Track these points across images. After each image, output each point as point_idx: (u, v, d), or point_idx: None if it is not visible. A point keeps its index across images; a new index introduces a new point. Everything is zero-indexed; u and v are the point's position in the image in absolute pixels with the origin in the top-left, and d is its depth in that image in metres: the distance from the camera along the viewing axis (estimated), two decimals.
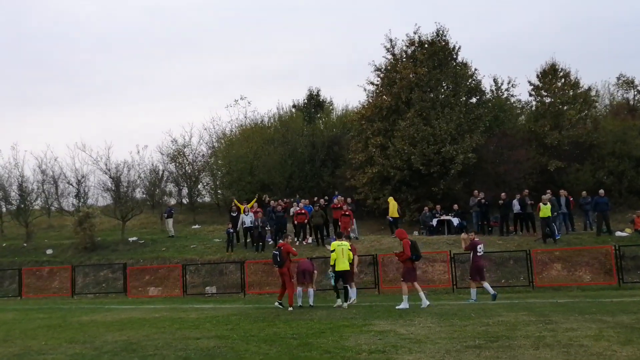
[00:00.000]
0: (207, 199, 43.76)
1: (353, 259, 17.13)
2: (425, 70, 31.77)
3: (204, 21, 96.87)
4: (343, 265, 16.66)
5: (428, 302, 15.72)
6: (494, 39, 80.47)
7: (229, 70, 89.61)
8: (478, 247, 17.54)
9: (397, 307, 15.51)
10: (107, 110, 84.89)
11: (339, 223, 26.51)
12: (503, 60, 76.33)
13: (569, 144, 32.48)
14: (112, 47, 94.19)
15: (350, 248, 17.01)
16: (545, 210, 24.66)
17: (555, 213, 25.12)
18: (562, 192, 26.71)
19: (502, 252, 23.18)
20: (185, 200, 42.87)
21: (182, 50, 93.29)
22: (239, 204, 29.42)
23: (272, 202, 29.19)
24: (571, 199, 26.74)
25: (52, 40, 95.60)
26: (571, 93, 33.79)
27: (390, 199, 28.37)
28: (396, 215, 27.87)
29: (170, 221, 31.95)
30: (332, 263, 16.85)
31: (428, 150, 30.26)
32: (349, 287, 17.19)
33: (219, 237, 30.04)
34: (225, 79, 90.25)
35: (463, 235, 18.85)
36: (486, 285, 17.47)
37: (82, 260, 28.96)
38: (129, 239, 30.92)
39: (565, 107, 33.22)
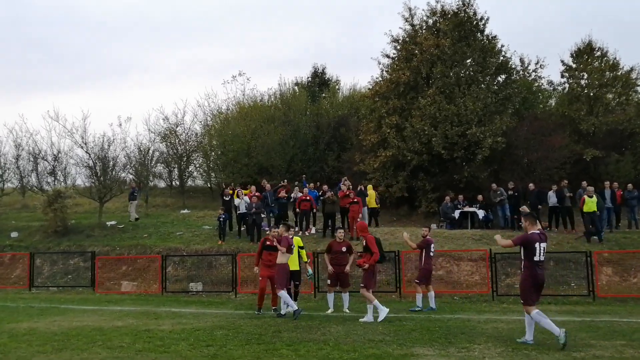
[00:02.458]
0: (199, 181, 39.99)
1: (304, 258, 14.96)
2: (450, 42, 27.89)
3: (204, 9, 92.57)
4: (292, 264, 14.09)
5: (387, 310, 12.65)
6: (518, 16, 75.46)
7: (230, 58, 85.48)
8: (432, 246, 15.18)
9: (360, 320, 12.53)
10: (104, 95, 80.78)
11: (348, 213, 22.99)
12: (528, 39, 71.59)
13: (607, 131, 28.76)
14: (112, 31, 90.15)
15: (302, 245, 14.81)
16: (590, 204, 21.11)
17: (604, 208, 21.62)
18: (609, 183, 23.05)
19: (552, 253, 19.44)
20: (175, 183, 39.08)
21: (182, 37, 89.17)
22: (230, 191, 25.66)
23: (267, 185, 25.41)
24: (619, 192, 23.11)
25: (51, 24, 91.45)
26: (609, 75, 30.04)
27: (369, 187, 25.10)
28: (374, 205, 24.63)
29: (133, 204, 28.31)
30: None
31: (451, 132, 26.40)
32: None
33: (210, 223, 26.35)
34: (227, 66, 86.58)
35: (405, 238, 15.45)
36: (432, 294, 14.97)
37: (51, 245, 25.16)
38: (107, 223, 27.09)
39: (604, 90, 29.51)
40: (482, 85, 27.63)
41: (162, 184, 39.91)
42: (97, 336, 10.69)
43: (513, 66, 30.15)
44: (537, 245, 9.33)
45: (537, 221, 9.87)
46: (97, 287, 21.10)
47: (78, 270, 23.25)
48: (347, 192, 23.42)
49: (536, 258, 9.34)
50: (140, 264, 22.65)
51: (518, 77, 31.14)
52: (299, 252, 14.53)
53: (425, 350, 9.03)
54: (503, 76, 29.75)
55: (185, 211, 31.06)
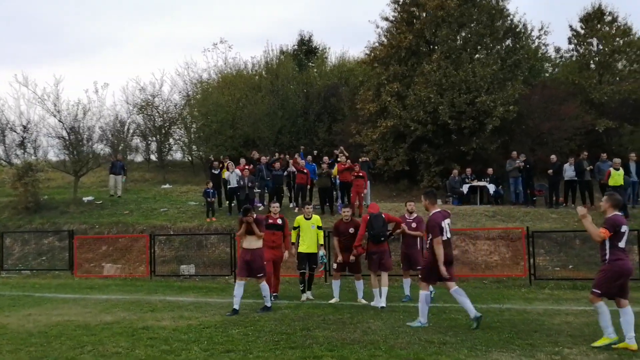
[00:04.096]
0: (178, 155, 37.52)
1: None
2: (456, 3, 25.79)
3: None
4: (311, 246, 12.75)
5: (383, 304, 11.23)
6: None
7: (209, 35, 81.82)
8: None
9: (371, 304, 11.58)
10: (78, 70, 76.74)
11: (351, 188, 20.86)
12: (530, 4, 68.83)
13: (620, 100, 27.11)
14: (85, 6, 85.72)
15: (320, 225, 12.99)
16: (617, 177, 19.50)
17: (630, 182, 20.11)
18: (634, 155, 21.38)
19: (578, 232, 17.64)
20: (154, 157, 36.64)
21: (157, 14, 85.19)
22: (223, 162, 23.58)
23: (262, 157, 23.27)
24: None
25: None
26: (620, 41, 28.32)
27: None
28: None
29: (119, 178, 25.90)
30: (293, 240, 12.94)
31: (459, 100, 24.44)
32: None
33: (195, 199, 24.21)
34: (206, 42, 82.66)
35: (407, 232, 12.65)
36: (408, 281, 13.06)
37: (21, 223, 22.76)
38: (83, 199, 24.73)
39: (616, 57, 27.83)
40: (493, 50, 25.68)
41: (139, 158, 37.52)
42: (84, 337, 8.58)
43: (522, 31, 28.19)
44: (443, 224, 9.07)
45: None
46: (76, 270, 18.85)
47: (53, 250, 20.97)
48: (349, 165, 21.28)
49: (444, 237, 9.06)
50: (123, 244, 20.41)
51: (524, 44, 29.29)
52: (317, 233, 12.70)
53: (508, 358, 7.11)
54: (509, 41, 27.82)
55: (167, 186, 28.82)
